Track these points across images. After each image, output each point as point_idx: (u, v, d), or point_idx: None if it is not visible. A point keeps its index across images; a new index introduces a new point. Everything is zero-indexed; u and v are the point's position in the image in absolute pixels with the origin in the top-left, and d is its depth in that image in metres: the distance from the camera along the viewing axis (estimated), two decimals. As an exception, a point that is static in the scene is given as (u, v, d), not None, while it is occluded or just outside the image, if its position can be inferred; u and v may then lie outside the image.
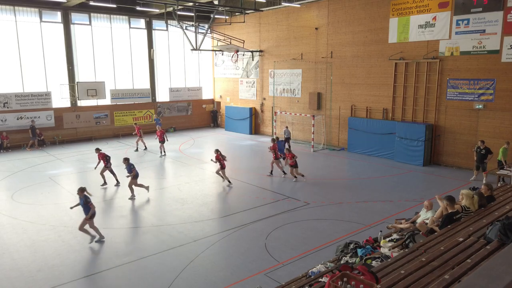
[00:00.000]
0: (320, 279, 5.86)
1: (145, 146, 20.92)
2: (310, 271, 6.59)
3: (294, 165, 14.83)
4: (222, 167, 14.37)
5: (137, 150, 20.57)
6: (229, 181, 14.45)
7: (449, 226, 6.37)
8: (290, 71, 23.29)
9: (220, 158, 14.38)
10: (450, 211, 6.82)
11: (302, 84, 22.76)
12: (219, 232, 10.23)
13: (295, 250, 9.07)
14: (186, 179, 15.27)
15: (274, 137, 16.81)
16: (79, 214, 11.74)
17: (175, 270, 8.24)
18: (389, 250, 6.52)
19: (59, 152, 20.20)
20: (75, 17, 23.00)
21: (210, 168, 17.29)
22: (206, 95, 29.37)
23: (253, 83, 26.13)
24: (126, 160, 13.31)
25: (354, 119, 19.83)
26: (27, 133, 21.71)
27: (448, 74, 16.46)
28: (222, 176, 14.52)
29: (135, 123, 21.85)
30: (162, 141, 19.42)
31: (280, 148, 16.24)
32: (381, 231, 7.61)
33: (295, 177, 14.95)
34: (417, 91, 17.60)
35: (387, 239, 7.23)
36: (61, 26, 22.49)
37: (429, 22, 16.75)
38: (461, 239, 5.34)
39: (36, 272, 8.25)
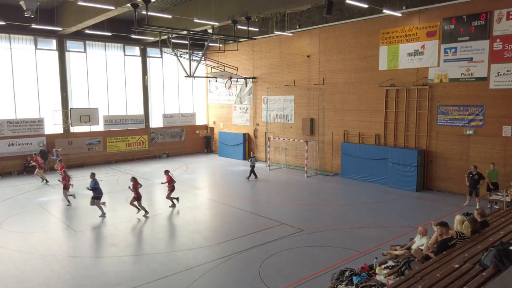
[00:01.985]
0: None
1: (46, 180, 19.26)
2: (305, 300, 6.45)
3: (138, 198, 13.76)
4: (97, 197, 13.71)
5: (46, 181, 19.16)
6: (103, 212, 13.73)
7: (444, 252, 6.32)
8: (283, 97, 23.57)
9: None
10: (444, 237, 6.79)
11: (295, 110, 23.00)
12: (212, 260, 10.03)
13: (290, 278, 8.90)
14: (179, 206, 15.08)
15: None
16: (69, 242, 11.51)
17: (167, 300, 8.01)
18: (385, 277, 6.44)
19: (50, 179, 19.92)
20: (70, 44, 23.26)
21: (203, 195, 17.15)
22: (199, 121, 29.49)
23: (247, 109, 26.34)
24: None
25: (347, 145, 19.96)
26: (17, 159, 21.49)
27: (438, 100, 16.76)
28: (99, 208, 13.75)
29: (35, 153, 20.13)
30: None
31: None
32: (376, 258, 7.52)
33: (138, 208, 13.82)
34: (408, 117, 17.85)
35: (383, 266, 7.15)
36: (56, 53, 22.70)
37: (417, 50, 17.20)
38: (456, 266, 5.30)
39: (22, 303, 7.97)
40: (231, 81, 25.25)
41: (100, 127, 24.36)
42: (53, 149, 21.53)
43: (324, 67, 21.05)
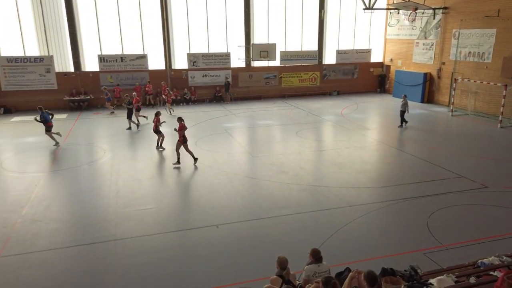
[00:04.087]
0: (491, 272, 5.10)
1: (137, 123, 17.91)
2: (480, 261, 5.77)
3: (184, 141, 12.50)
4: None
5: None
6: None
7: None
8: (481, 31, 19.79)
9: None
10: None
11: (494, 47, 19.15)
12: (376, 201, 9.87)
13: (463, 235, 8.07)
14: (346, 144, 15.08)
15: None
16: (247, 165, 13.01)
17: (329, 230, 8.38)
18: None
19: (234, 108, 22.47)
20: (254, -20, 24.34)
21: (371, 136, 16.63)
22: (375, 58, 27.77)
23: (432, 45, 23.31)
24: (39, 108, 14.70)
25: None
26: (208, 89, 24.76)
27: None
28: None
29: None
30: (137, 109, 18.06)
31: (46, 119, 14.57)
32: None
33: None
34: None
35: None
36: (242, -10, 24.17)
37: None
38: None
39: (210, 209, 9.61)
40: (416, 13, 22.48)
41: (276, 63, 25.61)
42: (102, 87, 21.66)
43: (546, -9, 16.48)
